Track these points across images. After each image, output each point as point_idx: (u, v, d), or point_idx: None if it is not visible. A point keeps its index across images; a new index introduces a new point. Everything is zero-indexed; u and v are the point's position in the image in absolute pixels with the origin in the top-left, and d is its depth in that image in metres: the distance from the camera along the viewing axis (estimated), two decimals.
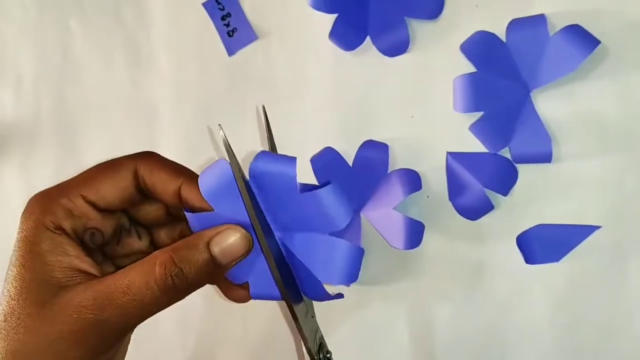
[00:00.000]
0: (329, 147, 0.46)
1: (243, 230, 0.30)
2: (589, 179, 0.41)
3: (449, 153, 0.44)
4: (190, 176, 0.32)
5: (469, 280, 0.44)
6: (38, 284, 0.29)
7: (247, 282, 0.33)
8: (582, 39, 0.39)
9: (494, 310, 0.43)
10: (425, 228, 0.43)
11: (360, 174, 0.46)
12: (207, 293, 0.49)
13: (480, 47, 0.42)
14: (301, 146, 0.47)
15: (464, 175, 0.43)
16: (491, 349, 0.44)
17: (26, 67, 0.54)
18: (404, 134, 0.45)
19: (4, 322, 0.29)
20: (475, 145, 0.43)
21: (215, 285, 0.35)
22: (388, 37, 0.44)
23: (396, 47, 0.44)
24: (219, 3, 0.48)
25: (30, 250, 0.29)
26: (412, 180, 0.44)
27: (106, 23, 0.51)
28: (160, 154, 0.33)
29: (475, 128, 0.43)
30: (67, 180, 0.32)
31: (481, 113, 0.42)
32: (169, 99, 0.50)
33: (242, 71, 0.48)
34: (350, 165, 0.46)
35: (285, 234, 0.32)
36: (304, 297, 0.34)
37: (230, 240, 0.30)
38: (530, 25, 0.41)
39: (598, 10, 0.40)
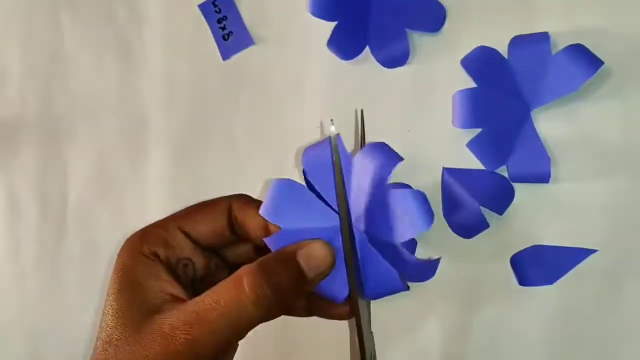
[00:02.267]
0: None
1: (326, 242, 0.31)
2: (587, 202, 0.40)
3: (445, 169, 0.43)
4: None
5: (461, 300, 0.43)
6: (133, 308, 0.30)
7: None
8: (586, 59, 0.39)
9: (485, 331, 0.42)
10: (418, 245, 0.42)
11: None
12: None
13: (481, 63, 0.42)
14: (296, 155, 0.46)
15: (459, 192, 0.42)
16: None
17: (11, 60, 0.52)
18: (400, 147, 0.43)
19: (103, 351, 0.29)
20: (472, 162, 0.42)
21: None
22: (388, 48, 0.43)
23: (396, 59, 0.43)
24: (215, 5, 0.47)
25: (126, 275, 0.31)
26: None
27: (97, 19, 0.50)
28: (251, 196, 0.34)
29: (473, 145, 0.42)
30: (166, 217, 0.33)
31: (480, 130, 0.41)
32: (160, 102, 0.49)
33: (237, 77, 0.47)
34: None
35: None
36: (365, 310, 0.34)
37: (315, 252, 0.30)
38: (532, 43, 0.40)
39: (602, 30, 0.40)
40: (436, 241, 0.43)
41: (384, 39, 0.43)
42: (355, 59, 0.44)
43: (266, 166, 0.47)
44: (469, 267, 0.43)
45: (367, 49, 0.44)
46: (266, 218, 0.32)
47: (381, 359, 0.44)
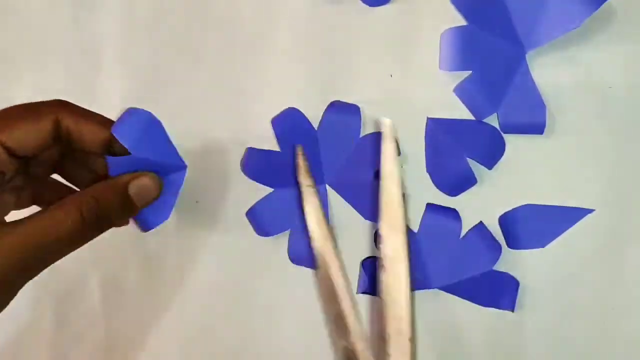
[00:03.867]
0: (292, 107, 0.41)
1: (156, 176, 0.34)
2: (585, 156, 0.37)
3: (429, 119, 0.38)
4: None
5: None
6: None
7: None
8: None
9: None
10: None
11: (327, 139, 0.40)
12: None
13: None
14: (262, 100, 0.41)
15: (445, 144, 0.38)
16: (465, 342, 0.38)
17: None
18: (381, 94, 0.40)
19: None
20: (460, 110, 0.38)
21: None
22: None
23: None
24: None
25: None
26: None
27: None
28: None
29: (461, 90, 0.38)
30: None
31: (469, 73, 0.37)
32: (116, 39, 0.44)
33: (202, 10, 0.42)
34: (316, 128, 0.40)
35: None
36: None
37: (146, 183, 0.33)
38: None
39: None
40: (419, 199, 0.39)
41: None
42: None
43: (234, 115, 0.42)
44: None
45: None
46: (119, 138, 0.32)
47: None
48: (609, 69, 0.36)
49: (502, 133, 0.37)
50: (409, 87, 0.39)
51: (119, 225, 0.34)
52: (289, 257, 0.40)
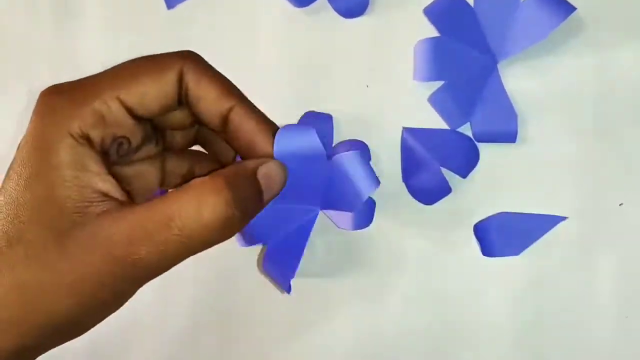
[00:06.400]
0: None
1: (282, 164, 0.27)
2: (557, 164, 0.37)
3: (404, 129, 0.39)
4: (242, 99, 0.28)
5: (421, 272, 0.39)
6: (53, 205, 0.24)
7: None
8: (556, 5, 0.35)
9: (448, 305, 0.39)
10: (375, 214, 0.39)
11: None
12: None
13: (446, 12, 0.38)
14: None
15: (420, 153, 0.38)
16: (444, 348, 0.39)
17: None
18: (357, 104, 0.40)
19: (7, 247, 0.23)
20: (435, 120, 0.39)
21: None
22: None
23: (354, 8, 0.40)
24: None
25: (44, 159, 0.24)
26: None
27: None
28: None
29: (435, 99, 0.38)
30: (98, 76, 0.26)
31: (442, 83, 0.38)
32: (97, 54, 0.45)
33: (182, 27, 0.43)
34: None
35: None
36: None
37: (273, 170, 0.27)
38: None
39: None
40: (394, 208, 0.39)
41: None
42: (310, 6, 0.40)
43: None
44: (429, 236, 0.39)
45: None
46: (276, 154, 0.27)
47: (331, 332, 0.40)
48: (578, 77, 0.37)
49: (476, 142, 0.38)
50: (386, 97, 0.40)
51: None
52: (264, 268, 0.41)
